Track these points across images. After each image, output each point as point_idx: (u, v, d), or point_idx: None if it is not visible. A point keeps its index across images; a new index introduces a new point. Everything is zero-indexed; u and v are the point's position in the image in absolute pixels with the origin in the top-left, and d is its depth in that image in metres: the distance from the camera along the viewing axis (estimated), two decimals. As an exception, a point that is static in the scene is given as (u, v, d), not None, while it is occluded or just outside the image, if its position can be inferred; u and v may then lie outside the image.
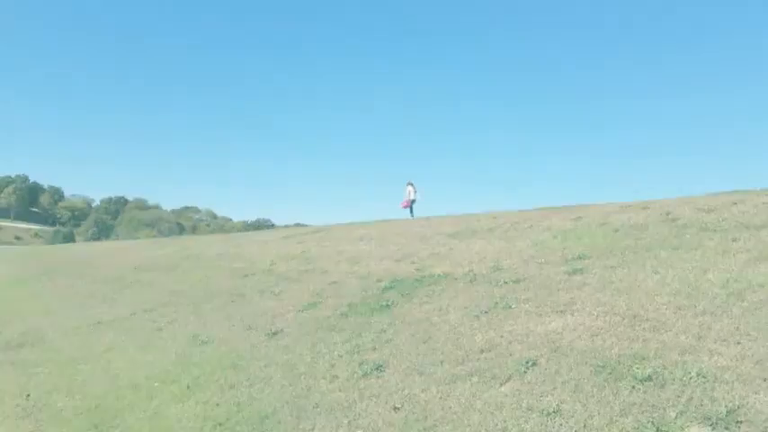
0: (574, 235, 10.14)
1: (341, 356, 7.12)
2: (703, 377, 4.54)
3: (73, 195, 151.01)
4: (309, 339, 8.12)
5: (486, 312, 7.35)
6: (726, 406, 4.08)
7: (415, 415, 5.23)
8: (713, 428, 3.91)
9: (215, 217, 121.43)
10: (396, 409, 5.45)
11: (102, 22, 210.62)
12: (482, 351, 6.23)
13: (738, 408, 4.04)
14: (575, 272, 7.93)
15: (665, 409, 4.27)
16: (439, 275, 9.78)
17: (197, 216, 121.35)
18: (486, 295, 8.03)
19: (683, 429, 3.99)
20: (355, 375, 6.45)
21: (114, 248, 37.65)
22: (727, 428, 3.88)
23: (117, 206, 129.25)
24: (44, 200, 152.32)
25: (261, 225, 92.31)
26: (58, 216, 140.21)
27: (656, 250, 7.96)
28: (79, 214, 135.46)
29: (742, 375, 4.44)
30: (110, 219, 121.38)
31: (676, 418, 4.14)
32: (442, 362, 6.24)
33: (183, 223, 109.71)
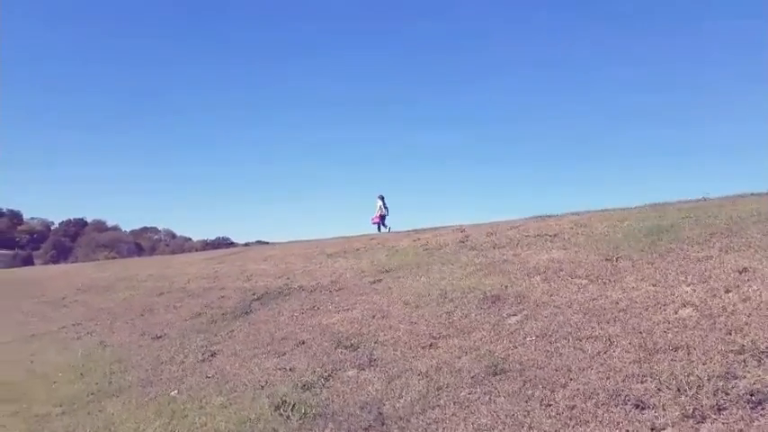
0: (400, 253, 13.12)
1: (193, 350, 9.84)
2: (379, 343, 7.45)
3: (32, 218, 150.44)
4: (180, 340, 10.83)
5: (302, 313, 10.19)
6: (372, 358, 6.98)
7: (218, 379, 8.00)
8: (359, 370, 6.77)
9: (174, 236, 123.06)
10: (207, 377, 8.22)
11: (54, 35, 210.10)
12: (282, 338, 9.05)
13: (377, 359, 6.93)
14: (375, 281, 10.84)
15: (347, 361, 7.14)
16: (296, 288, 12.59)
17: (156, 236, 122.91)
18: (313, 300, 10.87)
19: (346, 372, 6.85)
20: (196, 361, 9.19)
21: (64, 271, 39.51)
22: (365, 369, 6.75)
23: (76, 228, 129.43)
24: (3, 224, 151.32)
25: (220, 244, 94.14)
26: (17, 239, 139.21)
27: (433, 265, 10.94)
28: (38, 237, 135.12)
29: (398, 342, 7.34)
30: (69, 241, 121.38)
31: (351, 368, 7.00)
32: (254, 347, 9.03)
33: (142, 243, 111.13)
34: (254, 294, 13.10)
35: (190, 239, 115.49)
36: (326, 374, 6.91)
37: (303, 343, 8.47)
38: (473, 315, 7.59)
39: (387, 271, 11.56)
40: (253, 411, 6.36)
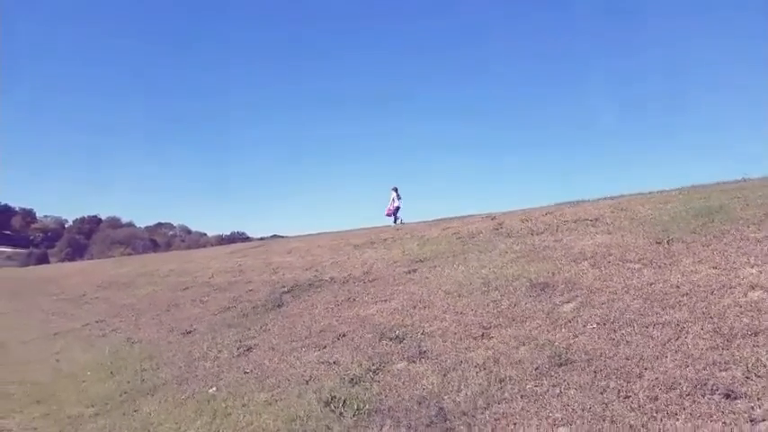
0: (431, 243, 12.82)
1: (227, 345, 9.62)
2: (426, 335, 7.17)
3: (45, 216, 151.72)
4: (211, 335, 10.62)
5: (338, 305, 9.94)
6: (421, 350, 6.70)
7: (257, 375, 7.77)
8: (409, 363, 6.50)
9: (189, 232, 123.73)
10: (246, 372, 7.98)
11: (56, 35, 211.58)
12: (320, 331, 8.80)
13: (427, 351, 6.66)
14: (410, 271, 10.56)
15: (394, 354, 6.88)
16: (327, 279, 12.34)
17: (171, 232, 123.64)
18: (347, 292, 10.61)
19: (395, 364, 6.59)
20: (231, 356, 8.96)
21: (81, 268, 39.63)
22: (415, 362, 6.48)
23: (90, 225, 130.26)
24: (16, 222, 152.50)
25: (235, 238, 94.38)
26: (31, 238, 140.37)
27: (469, 253, 10.63)
28: (52, 235, 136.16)
29: (447, 333, 7.07)
30: (83, 238, 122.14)
31: (399, 360, 6.73)
32: (292, 340, 8.79)
33: (158, 239, 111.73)
34: (283, 287, 12.87)
35: (205, 235, 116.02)
36: (374, 368, 6.64)
37: (344, 335, 8.21)
38: (523, 303, 7.29)
39: (420, 261, 11.27)
40: (301, 408, 6.11)
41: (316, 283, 12.24)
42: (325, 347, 8.02)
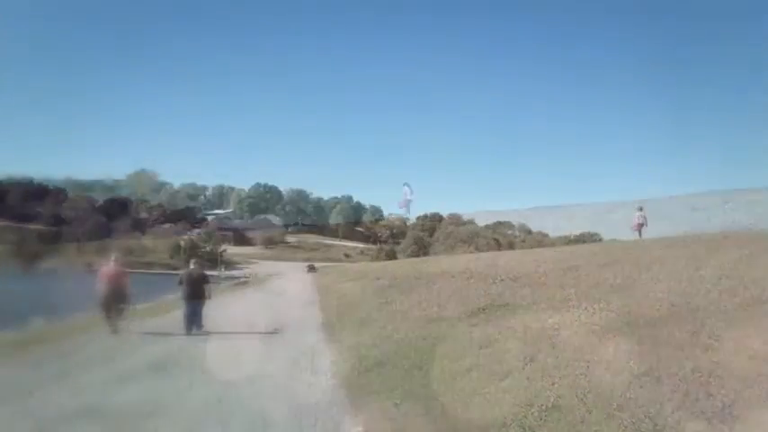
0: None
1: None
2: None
3: (390, 215, 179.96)
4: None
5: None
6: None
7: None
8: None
9: (530, 232, 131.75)
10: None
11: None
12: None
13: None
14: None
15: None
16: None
17: (510, 231, 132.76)
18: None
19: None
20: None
21: (464, 262, 32.01)
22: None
23: (433, 223, 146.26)
24: (366, 219, 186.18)
25: (587, 239, 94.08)
26: (378, 234, 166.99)
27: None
28: (397, 232, 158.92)
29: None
30: (426, 235, 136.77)
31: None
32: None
33: (499, 239, 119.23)
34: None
35: (546, 236, 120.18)
36: None
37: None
38: None
39: None
40: None
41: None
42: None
